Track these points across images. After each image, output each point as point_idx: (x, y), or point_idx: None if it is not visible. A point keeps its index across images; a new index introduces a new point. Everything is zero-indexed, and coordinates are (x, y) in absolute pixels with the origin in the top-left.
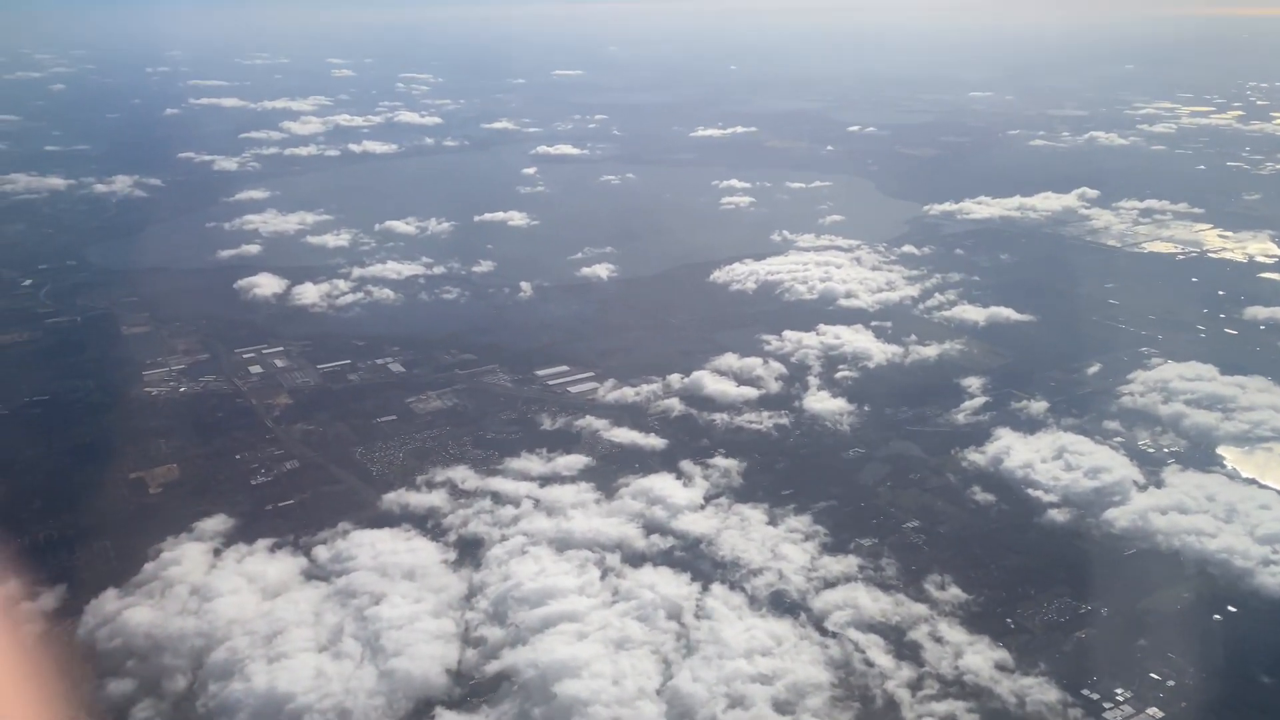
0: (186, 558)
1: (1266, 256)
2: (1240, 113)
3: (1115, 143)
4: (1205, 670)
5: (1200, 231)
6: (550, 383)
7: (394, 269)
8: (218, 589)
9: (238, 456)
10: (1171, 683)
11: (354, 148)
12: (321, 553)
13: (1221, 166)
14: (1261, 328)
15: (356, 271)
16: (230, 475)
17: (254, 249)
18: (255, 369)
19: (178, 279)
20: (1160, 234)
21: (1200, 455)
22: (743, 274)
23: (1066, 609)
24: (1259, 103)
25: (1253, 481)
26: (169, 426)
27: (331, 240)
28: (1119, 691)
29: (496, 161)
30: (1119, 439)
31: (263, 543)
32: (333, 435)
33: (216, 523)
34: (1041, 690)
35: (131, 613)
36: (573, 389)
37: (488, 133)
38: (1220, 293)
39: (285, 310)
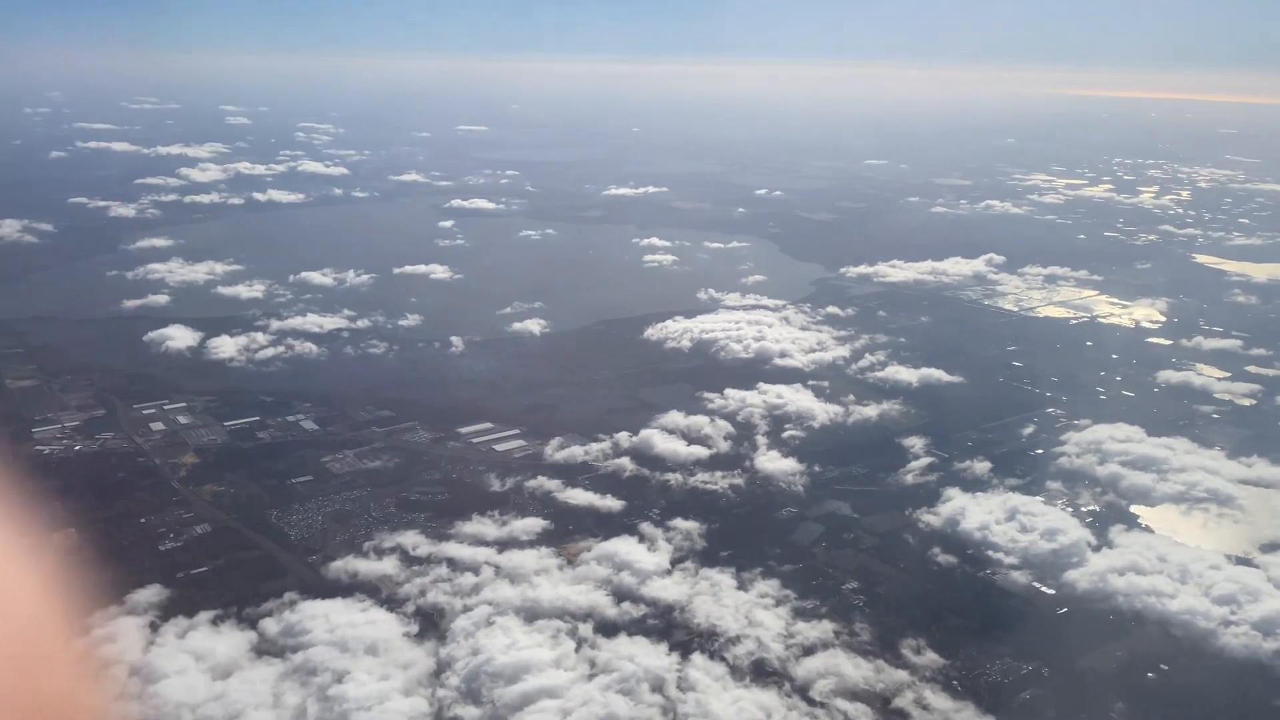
0: (122, 634)
1: (1151, 323)
2: (1110, 186)
3: (1010, 211)
4: None
5: (1088, 297)
6: (474, 440)
7: (315, 321)
8: (162, 669)
9: (143, 520)
10: None
11: (258, 196)
12: (270, 626)
13: (1100, 236)
14: (1156, 390)
15: (275, 324)
16: (136, 540)
17: (161, 299)
18: (157, 426)
19: (70, 329)
20: (1053, 299)
21: (1141, 516)
22: (676, 331)
23: (1034, 672)
24: (1125, 178)
25: (1173, 541)
26: (65, 488)
27: (245, 291)
28: None
29: (409, 214)
30: (1063, 500)
31: (204, 615)
32: (245, 497)
33: (150, 594)
34: None
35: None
36: (498, 447)
37: (396, 184)
38: (1114, 356)
39: (190, 364)
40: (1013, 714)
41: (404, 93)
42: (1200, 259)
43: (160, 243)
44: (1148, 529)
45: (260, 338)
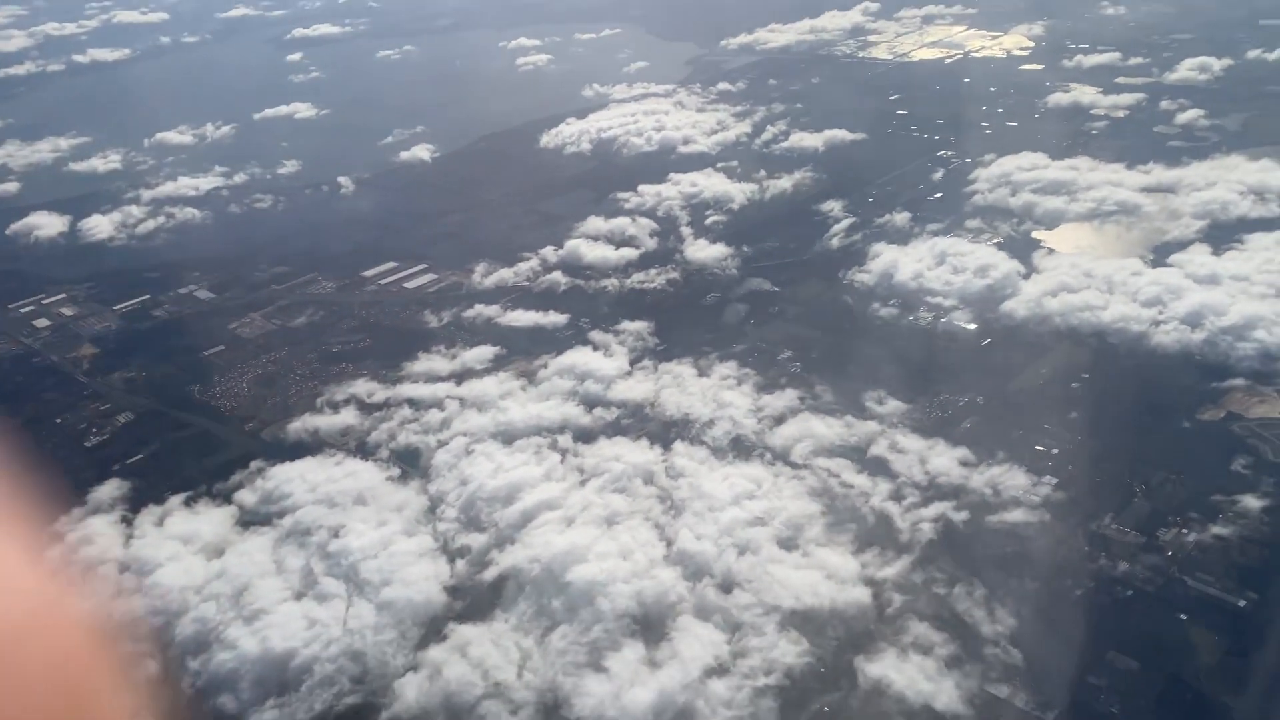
0: (97, 534)
1: (1021, 50)
2: None
3: None
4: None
5: (959, 34)
6: (382, 282)
7: (189, 184)
8: (153, 559)
9: (59, 420)
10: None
11: (79, 58)
12: (246, 497)
13: None
14: (1037, 116)
15: (147, 194)
16: (58, 442)
17: (10, 186)
18: (41, 322)
19: None
20: (924, 41)
21: (1061, 237)
22: (573, 135)
23: (970, 402)
24: None
25: (1094, 256)
26: None
27: (100, 164)
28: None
29: (252, 52)
30: (986, 235)
31: (175, 499)
32: (159, 378)
33: (111, 489)
34: (1010, 476)
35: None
36: (408, 284)
37: (227, 22)
38: (991, 89)
39: (63, 251)
40: (958, 441)
41: None
42: None
43: None
44: (1068, 248)
45: (135, 211)
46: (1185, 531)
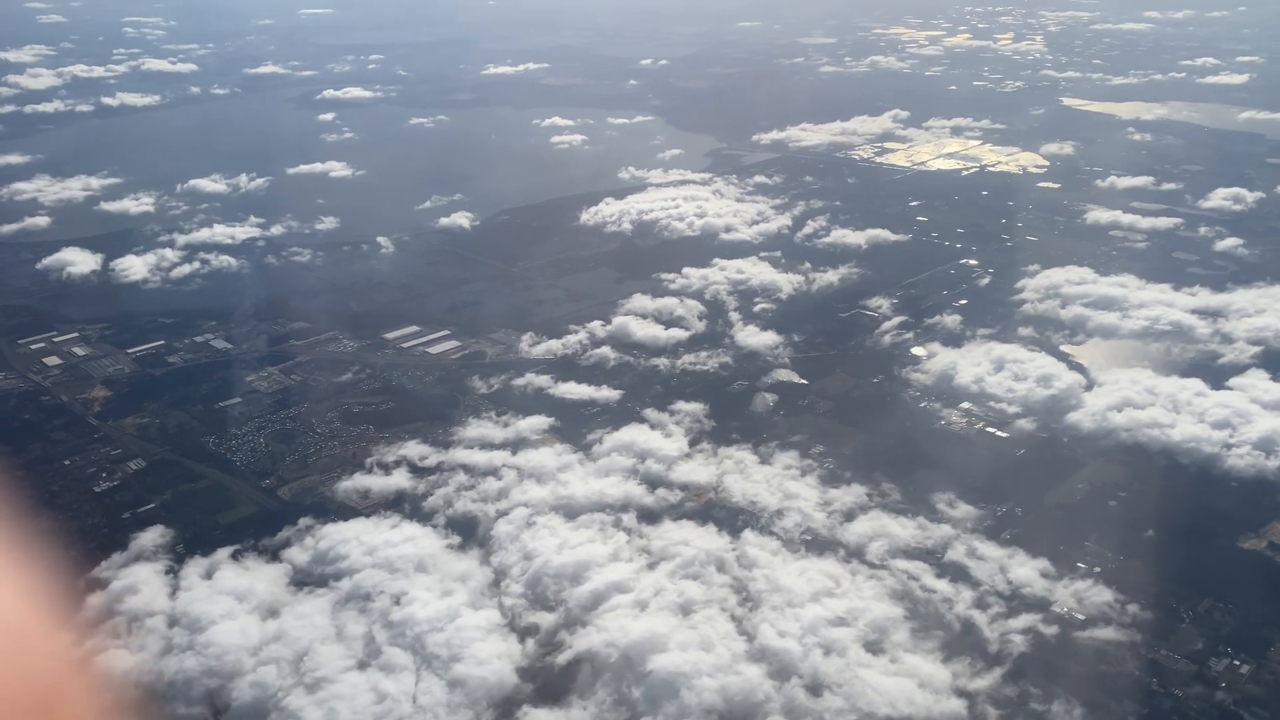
0: (143, 584)
1: (1036, 168)
2: (968, 35)
3: (895, 66)
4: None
5: (974, 148)
6: (404, 345)
7: (224, 232)
8: (206, 615)
9: (67, 462)
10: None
11: (108, 101)
12: (297, 555)
13: (969, 86)
14: (1056, 231)
15: (182, 239)
16: (65, 485)
17: (42, 220)
18: (52, 360)
19: None
20: (941, 151)
21: (1113, 351)
22: (613, 214)
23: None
24: (980, 25)
25: (1153, 375)
26: None
27: (132, 205)
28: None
29: (281, 109)
30: (1040, 345)
31: (223, 552)
32: (173, 426)
33: (154, 536)
34: (1096, 591)
35: (105, 660)
36: (431, 350)
37: (255, 78)
38: (1010, 203)
39: (78, 290)
40: (1036, 551)
41: None
42: (1068, 102)
43: (15, 159)
44: (1125, 365)
45: (170, 254)
46: (1237, 663)
